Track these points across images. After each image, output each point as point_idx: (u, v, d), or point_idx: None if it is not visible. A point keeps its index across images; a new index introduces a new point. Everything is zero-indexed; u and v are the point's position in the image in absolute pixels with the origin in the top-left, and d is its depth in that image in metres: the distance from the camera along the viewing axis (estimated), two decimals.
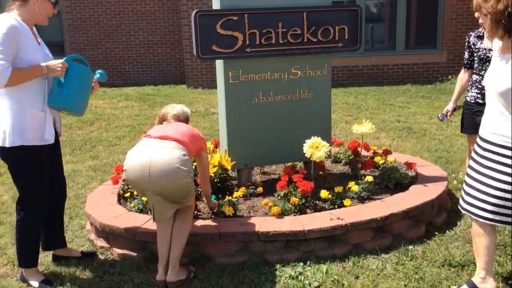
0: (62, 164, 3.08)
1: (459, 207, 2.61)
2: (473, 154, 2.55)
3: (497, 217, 2.40)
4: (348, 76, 10.49)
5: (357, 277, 2.86)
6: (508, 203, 2.35)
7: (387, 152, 4.10)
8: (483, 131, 2.47)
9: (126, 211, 3.41)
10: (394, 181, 3.68)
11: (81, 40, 11.57)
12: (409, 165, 3.91)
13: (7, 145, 2.61)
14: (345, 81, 10.45)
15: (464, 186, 2.56)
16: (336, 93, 8.99)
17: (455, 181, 4.23)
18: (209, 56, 3.53)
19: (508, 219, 2.38)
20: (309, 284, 2.80)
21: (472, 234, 2.60)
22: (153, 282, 2.84)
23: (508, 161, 2.33)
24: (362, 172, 3.91)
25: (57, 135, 2.91)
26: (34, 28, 2.80)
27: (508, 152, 2.33)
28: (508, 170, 2.34)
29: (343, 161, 4.28)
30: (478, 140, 2.51)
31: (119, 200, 3.64)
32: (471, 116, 3.56)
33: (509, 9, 2.21)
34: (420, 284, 2.74)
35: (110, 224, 3.21)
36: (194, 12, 3.45)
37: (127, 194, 3.63)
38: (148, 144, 2.75)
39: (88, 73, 2.86)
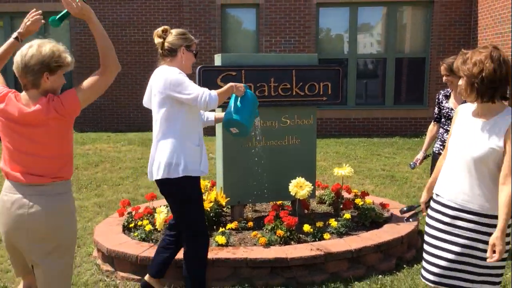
0: None
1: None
2: (434, 223, 2.52)
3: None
4: (340, 127, 11.09)
5: None
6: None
7: (364, 194, 4.57)
8: (450, 195, 2.45)
9: (130, 239, 3.83)
10: (370, 219, 4.13)
11: None
12: (384, 206, 4.38)
13: (172, 176, 2.87)
14: (337, 132, 11.04)
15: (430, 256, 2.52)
16: (328, 143, 9.54)
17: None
18: None
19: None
20: None
21: None
22: None
23: (478, 227, 2.35)
24: (343, 212, 4.35)
25: None
26: None
27: (482, 220, 2.35)
28: (480, 237, 2.36)
29: (327, 202, 4.73)
30: (441, 206, 2.49)
31: (123, 230, 4.07)
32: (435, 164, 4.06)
33: (483, 74, 2.26)
34: None
35: (116, 250, 3.63)
36: (198, 67, 4.01)
37: (132, 225, 4.05)
38: None
39: (255, 98, 3.19)
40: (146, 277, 3.29)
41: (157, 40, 3.08)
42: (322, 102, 4.34)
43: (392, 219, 4.28)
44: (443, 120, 4.05)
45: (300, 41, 11.03)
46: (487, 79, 2.27)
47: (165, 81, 2.90)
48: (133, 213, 4.22)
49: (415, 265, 3.78)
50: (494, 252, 2.25)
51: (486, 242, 2.31)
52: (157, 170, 2.94)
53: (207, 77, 4.03)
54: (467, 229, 2.38)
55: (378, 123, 11.02)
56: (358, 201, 4.46)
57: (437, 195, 2.55)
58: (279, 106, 4.21)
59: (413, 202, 5.52)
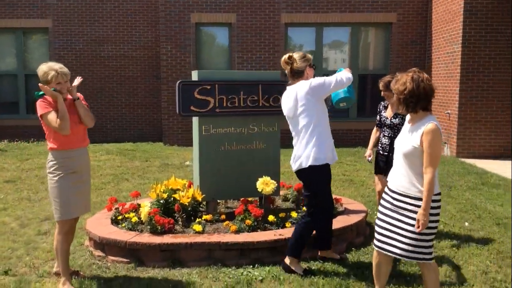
0: None
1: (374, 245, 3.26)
2: (384, 202, 3.21)
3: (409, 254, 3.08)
4: None
5: (290, 274, 3.91)
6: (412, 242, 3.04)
7: None
8: (393, 183, 3.16)
9: (118, 229, 4.42)
10: None
11: None
12: (337, 201, 5.09)
13: (318, 163, 3.80)
14: None
15: (379, 228, 3.20)
16: None
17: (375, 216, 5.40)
18: (188, 114, 4.72)
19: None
20: (255, 278, 3.84)
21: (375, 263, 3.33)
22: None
23: (410, 207, 3.04)
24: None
25: None
26: None
27: (412, 201, 3.03)
28: (411, 214, 3.03)
29: (290, 200, 5.41)
30: (388, 191, 3.19)
31: (112, 223, 4.64)
32: (376, 163, 4.87)
33: (405, 91, 2.99)
34: (333, 279, 3.82)
35: (107, 237, 4.21)
36: (178, 82, 4.67)
37: (120, 217, 4.64)
38: None
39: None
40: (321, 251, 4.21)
41: (284, 66, 3.99)
42: None
43: (345, 212, 4.99)
44: (383, 126, 4.86)
45: (270, 58, 11.81)
46: (409, 95, 3.03)
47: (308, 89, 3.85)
48: (120, 208, 4.81)
49: (362, 249, 4.49)
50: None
51: (414, 218, 3.03)
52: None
53: (185, 89, 4.69)
54: (403, 208, 3.09)
55: (343, 134, 11.83)
56: None
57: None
58: (247, 115, 4.89)
59: (366, 200, 6.26)
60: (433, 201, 3.02)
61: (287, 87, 4.04)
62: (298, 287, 3.72)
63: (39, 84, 3.54)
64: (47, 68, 3.59)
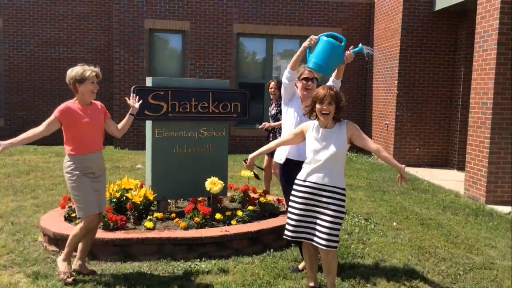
0: None
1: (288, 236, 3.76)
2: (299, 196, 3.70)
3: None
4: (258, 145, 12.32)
5: (235, 267, 4.29)
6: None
7: (266, 193, 5.70)
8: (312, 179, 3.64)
9: (72, 226, 4.64)
10: (268, 211, 5.24)
11: (16, 101, 12.55)
12: (279, 201, 5.53)
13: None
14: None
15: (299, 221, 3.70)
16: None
17: None
18: (142, 118, 5.01)
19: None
20: (202, 270, 4.19)
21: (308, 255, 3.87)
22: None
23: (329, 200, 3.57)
24: (249, 207, 5.43)
25: None
26: None
27: (328, 193, 3.57)
28: (333, 207, 3.55)
29: (237, 200, 5.79)
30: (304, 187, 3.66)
31: (65, 220, 4.85)
32: None
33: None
34: (273, 271, 4.23)
35: (61, 232, 4.43)
36: (133, 87, 4.95)
37: (73, 215, 4.85)
38: None
39: (333, 46, 3.88)
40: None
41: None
42: (233, 118, 5.44)
43: (286, 211, 5.42)
44: None
45: (222, 66, 12.21)
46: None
47: None
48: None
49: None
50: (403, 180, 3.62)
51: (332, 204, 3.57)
52: None
53: (140, 94, 4.97)
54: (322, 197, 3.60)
55: None
56: (262, 199, 5.56)
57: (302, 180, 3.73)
58: (198, 120, 5.24)
59: None
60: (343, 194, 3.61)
61: None
62: (241, 278, 4.09)
63: None
64: (82, 68, 3.97)
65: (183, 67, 12.27)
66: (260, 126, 6.69)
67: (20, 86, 12.60)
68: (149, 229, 4.60)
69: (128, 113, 4.23)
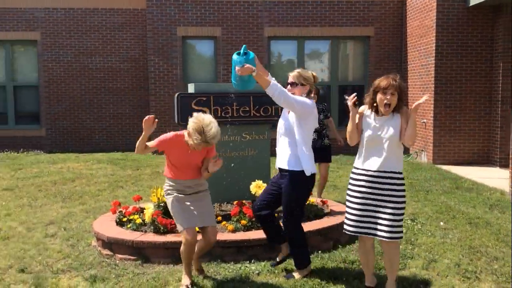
0: None
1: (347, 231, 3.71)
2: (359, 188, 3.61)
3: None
4: None
5: (284, 270, 4.32)
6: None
7: None
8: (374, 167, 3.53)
9: (124, 230, 4.77)
10: (313, 213, 5.25)
11: (56, 111, 12.94)
12: (324, 202, 5.53)
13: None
14: None
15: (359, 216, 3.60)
16: None
17: None
18: (186, 123, 5.09)
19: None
20: (252, 272, 4.24)
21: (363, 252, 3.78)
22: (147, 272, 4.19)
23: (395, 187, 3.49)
24: None
25: None
26: None
27: (394, 181, 3.47)
28: (393, 192, 3.47)
29: None
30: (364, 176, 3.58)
31: (117, 224, 4.99)
32: None
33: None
34: (323, 272, 4.24)
35: (115, 237, 4.56)
36: (177, 94, 5.07)
37: (124, 219, 4.99)
38: None
39: (234, 62, 3.88)
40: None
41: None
42: (275, 121, 5.47)
43: (331, 213, 5.42)
44: None
45: None
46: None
47: None
48: (123, 211, 5.15)
49: (347, 246, 4.93)
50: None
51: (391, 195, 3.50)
52: None
53: (183, 101, 5.09)
54: (381, 188, 3.51)
55: None
56: None
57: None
58: (240, 125, 5.30)
59: None
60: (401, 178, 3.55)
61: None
62: (292, 279, 4.12)
63: None
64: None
65: (215, 72, 12.40)
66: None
67: (59, 97, 12.98)
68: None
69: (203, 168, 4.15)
